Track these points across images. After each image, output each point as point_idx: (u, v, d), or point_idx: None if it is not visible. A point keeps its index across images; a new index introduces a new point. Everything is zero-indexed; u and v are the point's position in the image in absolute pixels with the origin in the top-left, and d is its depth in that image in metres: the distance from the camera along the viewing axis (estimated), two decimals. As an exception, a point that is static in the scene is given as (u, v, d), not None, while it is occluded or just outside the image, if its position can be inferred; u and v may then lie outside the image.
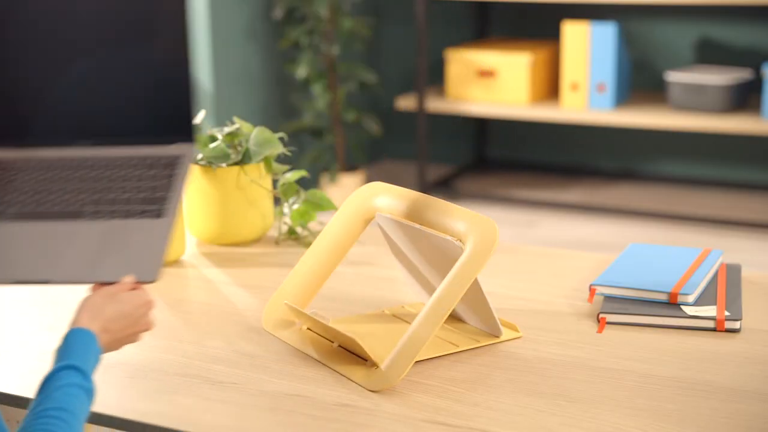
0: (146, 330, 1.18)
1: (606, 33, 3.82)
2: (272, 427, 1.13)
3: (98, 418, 1.18)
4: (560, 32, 4.33)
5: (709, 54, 4.10)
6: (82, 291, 1.20)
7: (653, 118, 3.76)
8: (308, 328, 1.36)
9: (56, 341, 1.13)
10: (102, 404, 1.17)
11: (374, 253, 1.68)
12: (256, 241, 1.75)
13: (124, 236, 1.19)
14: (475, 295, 1.30)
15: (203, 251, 1.71)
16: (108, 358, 1.25)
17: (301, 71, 3.96)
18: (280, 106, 4.17)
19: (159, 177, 1.29)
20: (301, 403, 1.18)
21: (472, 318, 1.36)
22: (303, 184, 4.30)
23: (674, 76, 3.81)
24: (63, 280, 1.16)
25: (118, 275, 1.15)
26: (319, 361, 1.28)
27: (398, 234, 1.39)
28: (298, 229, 1.79)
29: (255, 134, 1.68)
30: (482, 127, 4.60)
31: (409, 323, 1.38)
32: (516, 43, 4.24)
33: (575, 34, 3.87)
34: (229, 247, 1.72)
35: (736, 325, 1.35)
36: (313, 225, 1.82)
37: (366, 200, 1.42)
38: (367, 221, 1.42)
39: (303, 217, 1.75)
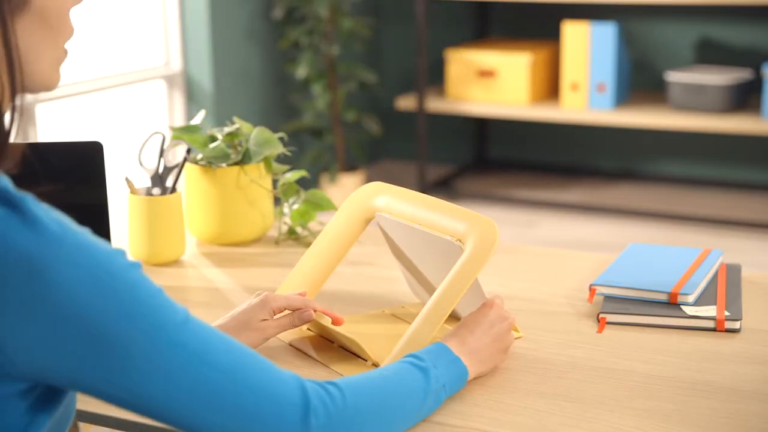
0: (509, 345, 1.24)
1: (606, 33, 3.82)
2: (272, 427, 1.13)
3: (98, 419, 1.18)
4: (560, 32, 4.33)
5: (709, 54, 4.10)
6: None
7: (653, 118, 3.76)
8: (308, 329, 1.36)
9: None
10: (102, 404, 1.17)
11: (374, 253, 1.68)
12: (256, 241, 1.75)
13: None
14: (475, 295, 1.30)
15: (203, 251, 1.71)
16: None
17: (301, 71, 3.96)
18: (280, 106, 4.17)
19: None
20: (301, 403, 1.18)
21: None
22: (303, 184, 4.30)
23: (674, 76, 3.81)
24: None
25: None
26: (319, 362, 1.28)
27: (398, 234, 1.39)
28: (298, 229, 1.79)
29: (255, 134, 1.68)
30: (482, 127, 4.60)
31: (409, 323, 1.38)
32: (516, 43, 4.24)
33: (575, 34, 3.87)
34: (229, 247, 1.72)
35: (736, 325, 1.35)
36: (313, 225, 1.82)
37: (366, 200, 1.42)
38: (368, 221, 1.42)
39: (303, 217, 1.75)
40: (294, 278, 1.40)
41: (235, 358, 0.93)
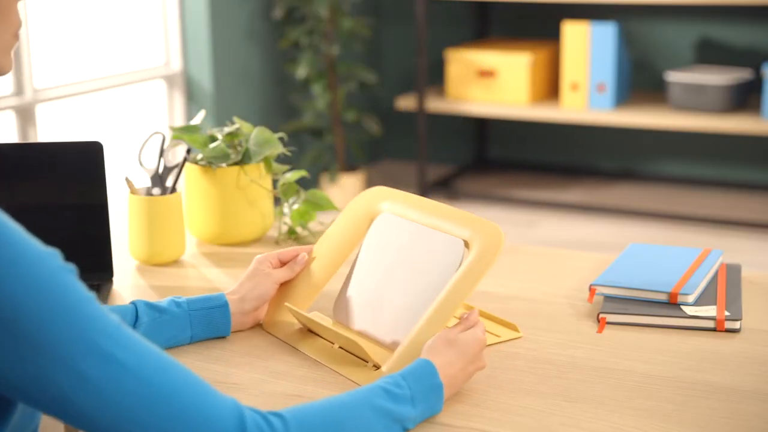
0: (481, 368, 1.19)
1: (606, 33, 3.82)
2: (272, 427, 1.13)
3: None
4: (560, 32, 4.33)
5: (709, 54, 4.10)
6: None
7: (653, 118, 3.76)
8: (309, 330, 1.36)
9: None
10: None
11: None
12: (256, 241, 1.75)
13: None
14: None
15: (203, 251, 1.71)
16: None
17: (301, 71, 3.96)
18: (280, 106, 4.17)
19: None
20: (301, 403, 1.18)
21: None
22: (303, 184, 4.30)
23: (674, 76, 3.81)
24: None
25: None
26: (320, 362, 1.28)
27: (395, 235, 1.38)
28: (298, 229, 1.79)
29: (255, 134, 1.68)
30: (482, 127, 4.60)
31: None
32: (516, 43, 4.24)
33: (575, 34, 3.87)
34: (229, 247, 1.72)
35: (736, 325, 1.35)
36: (313, 225, 1.82)
37: (370, 204, 1.42)
38: (371, 224, 1.42)
39: (303, 217, 1.75)
40: (295, 279, 1.40)
41: (169, 377, 0.90)
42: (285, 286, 1.41)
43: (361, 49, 4.31)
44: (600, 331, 1.36)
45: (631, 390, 1.19)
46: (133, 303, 1.29)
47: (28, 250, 0.86)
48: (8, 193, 1.52)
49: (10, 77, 3.17)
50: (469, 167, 4.57)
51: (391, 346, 1.28)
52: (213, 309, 1.32)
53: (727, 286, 1.46)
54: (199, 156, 1.70)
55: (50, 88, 3.30)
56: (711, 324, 1.35)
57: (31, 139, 3.17)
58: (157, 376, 0.89)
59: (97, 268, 1.55)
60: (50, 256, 0.87)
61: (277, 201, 4.25)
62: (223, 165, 1.68)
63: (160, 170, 1.66)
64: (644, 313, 1.37)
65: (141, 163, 1.67)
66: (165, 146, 1.66)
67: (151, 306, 1.30)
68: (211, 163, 1.68)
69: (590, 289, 1.44)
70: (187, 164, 1.70)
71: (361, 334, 1.33)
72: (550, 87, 4.17)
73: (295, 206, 1.75)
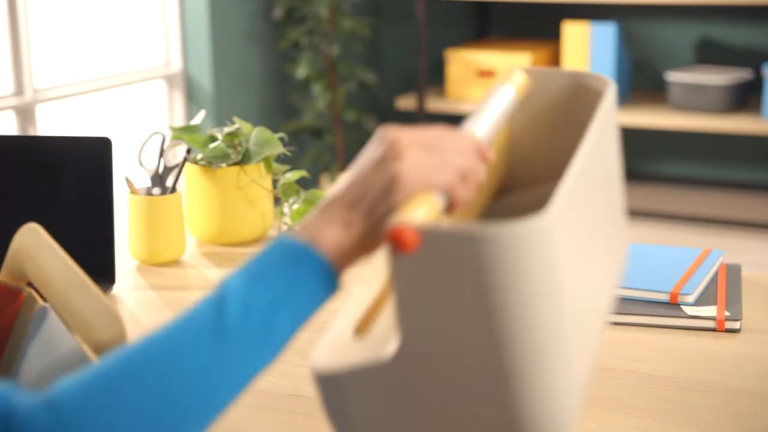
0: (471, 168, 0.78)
1: (606, 33, 3.82)
2: (272, 427, 1.13)
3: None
4: (560, 32, 4.33)
5: (709, 54, 4.10)
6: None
7: (653, 118, 3.76)
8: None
9: None
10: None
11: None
12: (256, 241, 1.75)
13: None
14: None
15: (203, 251, 1.71)
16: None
17: (301, 71, 3.96)
18: (280, 106, 4.17)
19: None
20: (301, 403, 1.18)
21: None
22: (303, 184, 4.30)
23: (674, 76, 3.81)
24: None
25: None
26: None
27: None
28: (298, 229, 1.79)
29: (255, 134, 1.68)
30: (482, 127, 4.60)
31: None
32: (516, 43, 4.24)
33: (575, 34, 3.87)
34: (229, 247, 1.72)
35: (736, 325, 1.35)
36: (313, 225, 1.82)
37: None
38: None
39: (303, 217, 1.75)
40: None
41: None
42: None
43: (361, 49, 4.31)
44: (600, 331, 1.36)
45: (631, 390, 1.19)
46: None
47: None
48: (11, 186, 1.52)
49: (10, 77, 3.17)
50: (469, 167, 4.57)
51: None
52: None
53: (727, 286, 1.46)
54: (199, 156, 1.70)
55: (50, 88, 3.30)
56: (711, 324, 1.35)
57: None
58: None
59: (98, 271, 1.54)
60: None
61: (277, 201, 4.25)
62: (223, 165, 1.68)
63: (160, 170, 1.66)
64: (644, 313, 1.37)
65: (141, 163, 1.67)
66: (165, 146, 1.66)
67: None
68: (211, 163, 1.68)
69: (590, 289, 1.44)
70: (187, 164, 1.70)
71: None
72: (550, 87, 4.16)
73: (295, 206, 1.75)
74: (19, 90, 3.19)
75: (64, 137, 1.52)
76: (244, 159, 1.68)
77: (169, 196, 1.61)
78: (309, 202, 1.74)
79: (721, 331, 1.35)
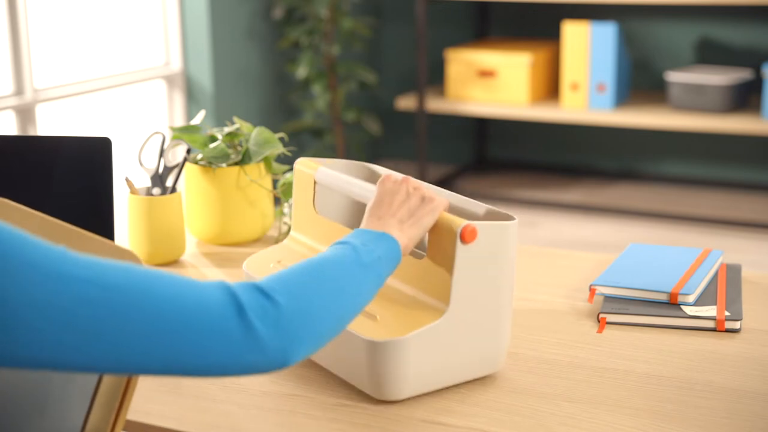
0: (435, 205, 1.19)
1: (606, 33, 3.82)
2: (272, 427, 1.13)
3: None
4: (560, 32, 4.33)
5: (709, 54, 4.10)
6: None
7: (653, 118, 3.76)
8: None
9: None
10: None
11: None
12: (256, 241, 1.75)
13: None
14: None
15: (203, 251, 1.71)
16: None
17: (301, 71, 3.96)
18: (280, 106, 4.17)
19: None
20: (301, 403, 1.18)
21: None
22: (303, 184, 4.29)
23: (674, 76, 3.81)
24: None
25: None
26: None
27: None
28: (298, 229, 1.79)
29: (255, 134, 1.68)
30: (482, 127, 4.60)
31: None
32: (516, 43, 4.24)
33: (575, 34, 3.87)
34: (229, 247, 1.72)
35: (736, 325, 1.35)
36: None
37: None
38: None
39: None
40: None
41: (138, 277, 0.83)
42: None
43: (361, 49, 4.31)
44: (600, 331, 1.36)
45: (631, 390, 1.19)
46: None
47: None
48: (11, 186, 1.52)
49: (10, 77, 3.17)
50: (469, 167, 4.57)
51: None
52: None
53: (727, 286, 1.46)
54: (199, 156, 1.70)
55: (50, 88, 3.30)
56: (711, 324, 1.35)
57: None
58: (125, 279, 0.82)
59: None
60: None
61: (277, 201, 4.25)
62: (223, 165, 1.68)
63: (160, 170, 1.66)
64: (644, 313, 1.37)
65: (141, 163, 1.67)
66: (165, 146, 1.66)
67: None
68: (211, 163, 1.68)
69: (590, 289, 1.44)
70: (187, 164, 1.70)
71: None
72: (550, 87, 4.17)
73: (293, 195, 1.75)
74: (19, 90, 3.19)
75: (64, 137, 1.52)
76: (244, 159, 1.68)
77: (169, 196, 1.61)
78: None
79: (721, 331, 1.35)
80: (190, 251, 1.71)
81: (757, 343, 1.31)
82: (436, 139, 4.71)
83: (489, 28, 4.48)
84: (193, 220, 1.72)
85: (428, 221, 1.17)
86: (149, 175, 1.66)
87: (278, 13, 4.00)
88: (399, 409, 1.16)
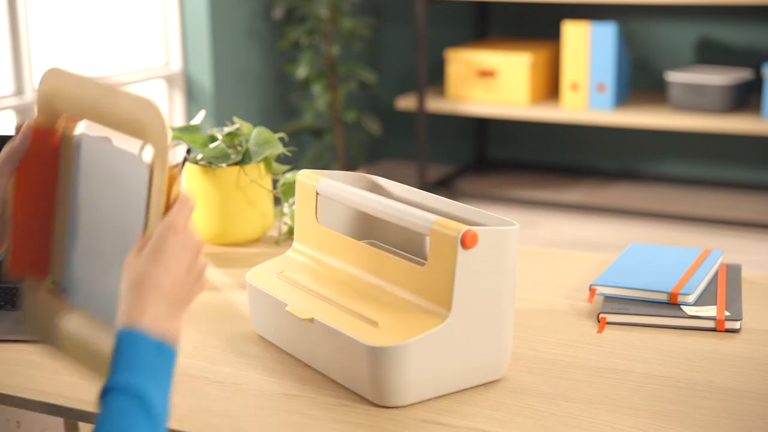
0: (202, 270, 0.98)
1: (606, 33, 3.82)
2: (272, 427, 1.13)
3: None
4: (560, 32, 4.33)
5: (709, 54, 4.10)
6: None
7: (653, 118, 3.76)
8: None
9: None
10: (102, 404, 1.17)
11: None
12: (256, 241, 1.75)
13: None
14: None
15: (203, 251, 1.71)
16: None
17: (301, 71, 3.96)
18: (280, 106, 4.17)
19: None
20: (301, 403, 1.18)
21: None
22: (303, 184, 4.29)
23: (674, 76, 3.81)
24: None
25: None
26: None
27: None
28: (298, 229, 1.79)
29: (255, 134, 1.68)
30: (482, 127, 4.60)
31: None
32: (516, 43, 4.24)
33: (575, 34, 3.87)
34: (229, 247, 1.72)
35: (736, 325, 1.35)
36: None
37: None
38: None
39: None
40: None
41: None
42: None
43: (361, 49, 4.31)
44: (600, 331, 1.36)
45: (631, 390, 1.19)
46: None
47: None
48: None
49: (10, 77, 3.17)
50: (469, 167, 4.57)
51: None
52: None
53: (727, 286, 1.46)
54: (199, 156, 1.70)
55: (50, 88, 3.30)
56: (711, 324, 1.35)
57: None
58: None
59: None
60: None
61: (277, 201, 4.25)
62: (223, 165, 1.68)
63: (160, 170, 1.66)
64: (644, 313, 1.37)
65: (141, 163, 1.67)
66: (165, 146, 1.66)
67: None
68: (211, 163, 1.68)
69: (590, 289, 1.44)
70: (187, 164, 1.70)
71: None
72: (550, 87, 4.17)
73: (295, 206, 1.75)
74: (19, 90, 3.19)
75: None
76: (244, 159, 1.68)
77: (169, 196, 1.61)
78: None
79: (721, 331, 1.35)
80: (190, 251, 1.71)
81: (757, 343, 1.31)
82: (436, 139, 4.70)
83: (489, 28, 4.48)
84: (193, 220, 1.72)
85: (193, 299, 0.97)
86: (149, 175, 1.66)
87: (278, 13, 4.00)
88: (399, 410, 1.16)
